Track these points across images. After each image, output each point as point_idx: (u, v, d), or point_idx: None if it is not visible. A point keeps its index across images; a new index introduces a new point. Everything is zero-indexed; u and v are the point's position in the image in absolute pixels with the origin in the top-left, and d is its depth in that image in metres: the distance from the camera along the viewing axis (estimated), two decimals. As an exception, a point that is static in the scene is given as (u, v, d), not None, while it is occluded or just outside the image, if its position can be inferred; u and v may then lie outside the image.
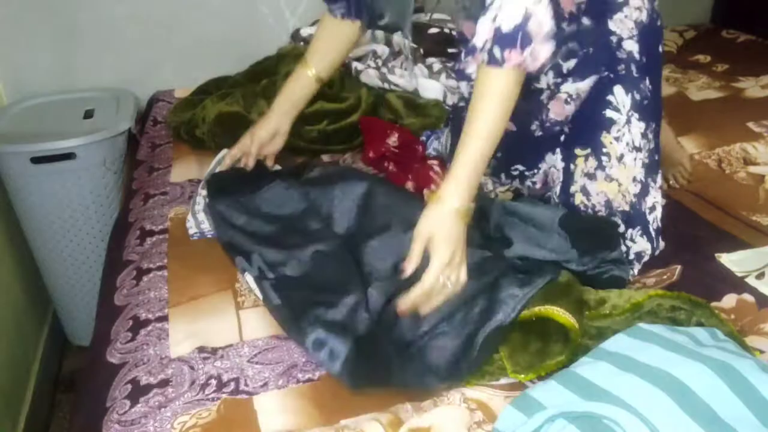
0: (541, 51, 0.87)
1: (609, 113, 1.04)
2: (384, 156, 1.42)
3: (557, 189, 1.10)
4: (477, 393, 0.86)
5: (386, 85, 1.63)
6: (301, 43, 1.79)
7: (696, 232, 1.20)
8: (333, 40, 1.20)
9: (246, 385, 0.89)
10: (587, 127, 1.05)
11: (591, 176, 1.06)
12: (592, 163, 1.05)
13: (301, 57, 1.26)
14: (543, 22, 0.86)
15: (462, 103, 1.14)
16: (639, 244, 1.07)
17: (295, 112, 1.28)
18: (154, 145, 1.65)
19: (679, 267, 1.10)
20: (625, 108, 1.04)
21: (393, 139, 1.43)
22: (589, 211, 1.06)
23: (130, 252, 1.23)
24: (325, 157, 1.52)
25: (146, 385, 0.90)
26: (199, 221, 1.25)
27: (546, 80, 1.05)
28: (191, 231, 1.23)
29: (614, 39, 1.03)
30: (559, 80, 1.04)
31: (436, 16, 1.83)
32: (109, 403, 0.89)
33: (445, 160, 1.34)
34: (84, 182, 1.66)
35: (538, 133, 1.07)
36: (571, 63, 1.03)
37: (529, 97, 1.03)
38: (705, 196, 1.32)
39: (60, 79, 1.86)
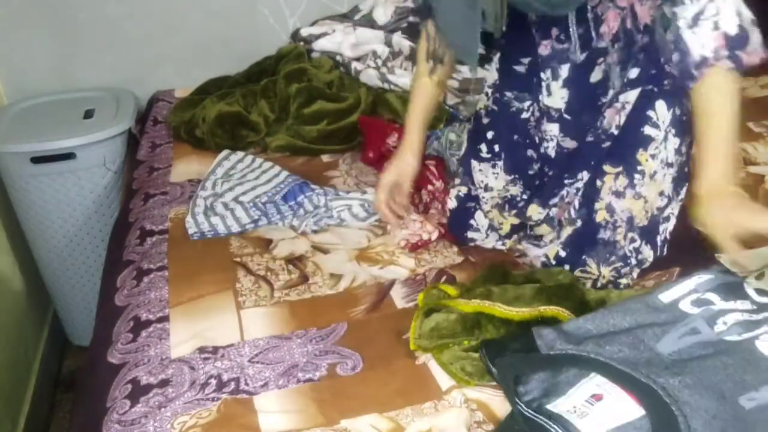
0: (758, 43, 0.90)
1: (648, 130, 1.01)
2: (383, 156, 1.42)
3: (575, 203, 1.07)
4: (477, 393, 0.86)
5: (386, 85, 1.63)
6: (301, 43, 1.80)
7: (696, 234, 1.20)
8: (441, 44, 1.12)
9: (246, 384, 0.90)
10: (622, 143, 1.03)
11: (619, 194, 1.03)
12: (622, 181, 1.02)
13: (418, 67, 1.20)
14: (746, 14, 0.89)
15: (488, 107, 1.13)
16: (643, 253, 1.06)
17: (428, 122, 1.24)
18: (154, 145, 1.65)
19: (678, 269, 1.09)
20: (664, 124, 1.01)
21: (393, 139, 1.43)
22: (609, 226, 1.04)
23: (130, 252, 1.23)
24: (325, 157, 1.53)
25: (146, 385, 0.91)
26: (198, 222, 1.25)
27: (612, 90, 1.05)
28: (191, 231, 1.23)
29: None
30: (619, 89, 1.04)
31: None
32: (109, 403, 0.90)
33: (445, 160, 1.34)
34: (84, 182, 1.66)
35: (589, 139, 1.05)
36: (634, 73, 1.02)
37: (597, 112, 1.04)
38: (704, 196, 1.31)
39: (60, 79, 1.86)
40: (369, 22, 1.83)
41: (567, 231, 1.08)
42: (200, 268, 1.14)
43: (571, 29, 1.02)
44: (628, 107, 1.02)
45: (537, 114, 1.12)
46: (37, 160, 1.60)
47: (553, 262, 1.08)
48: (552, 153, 1.11)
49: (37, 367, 1.75)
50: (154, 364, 0.94)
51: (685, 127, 1.02)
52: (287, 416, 0.85)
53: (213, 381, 0.90)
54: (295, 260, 1.16)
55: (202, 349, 0.96)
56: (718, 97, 0.92)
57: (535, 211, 1.12)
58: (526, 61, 1.10)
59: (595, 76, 1.05)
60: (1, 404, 1.48)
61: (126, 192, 1.55)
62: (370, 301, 1.06)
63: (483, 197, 1.17)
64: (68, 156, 1.62)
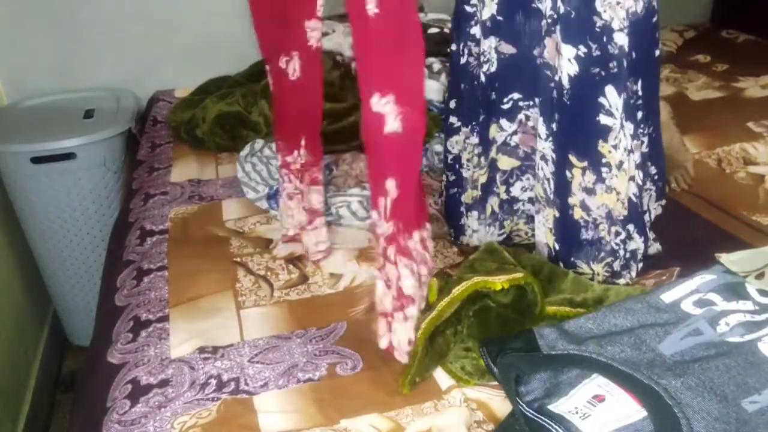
0: None
1: (603, 119, 0.96)
2: None
3: (551, 185, 1.04)
4: (477, 393, 0.86)
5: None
6: (301, 43, 1.79)
7: (696, 233, 1.20)
8: None
9: (246, 384, 0.89)
10: (580, 133, 0.98)
11: (590, 191, 1.00)
12: (590, 177, 0.99)
13: None
14: None
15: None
16: (635, 241, 1.05)
17: None
18: (154, 145, 1.65)
19: (678, 268, 1.10)
20: (618, 111, 0.96)
21: None
22: (590, 225, 1.03)
23: (130, 252, 1.23)
24: (325, 157, 1.52)
25: (146, 385, 0.90)
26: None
27: (545, 6, 0.96)
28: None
29: (599, 23, 0.93)
30: (554, 15, 0.95)
31: (436, 15, 1.84)
32: (109, 403, 0.89)
33: (438, 172, 1.34)
34: (84, 182, 1.66)
35: (539, 61, 1.00)
36: (561, 7, 0.94)
37: (533, 17, 0.98)
38: (705, 196, 1.31)
39: (60, 79, 1.86)
40: (369, 22, 1.83)
41: (550, 214, 1.06)
42: (200, 268, 1.14)
43: None
44: (563, 61, 0.95)
45: (471, 56, 1.07)
46: (37, 160, 1.60)
47: (554, 254, 1.07)
48: (494, 66, 1.06)
49: (37, 367, 1.75)
50: (154, 364, 0.94)
51: (633, 111, 0.99)
52: (287, 416, 0.84)
53: (213, 381, 0.90)
54: (295, 260, 1.16)
55: (201, 349, 0.95)
56: None
57: (496, 132, 1.09)
58: None
59: None
60: (1, 404, 1.48)
61: (126, 192, 1.55)
62: (370, 301, 1.06)
63: (462, 163, 1.14)
64: (68, 156, 1.62)
